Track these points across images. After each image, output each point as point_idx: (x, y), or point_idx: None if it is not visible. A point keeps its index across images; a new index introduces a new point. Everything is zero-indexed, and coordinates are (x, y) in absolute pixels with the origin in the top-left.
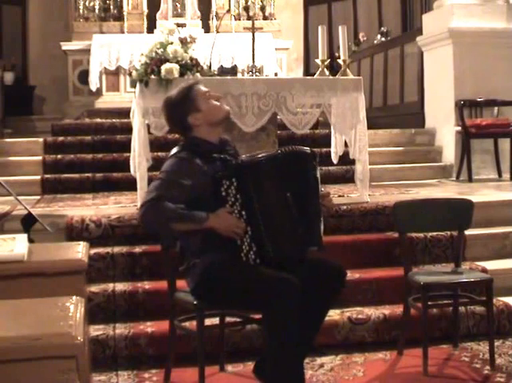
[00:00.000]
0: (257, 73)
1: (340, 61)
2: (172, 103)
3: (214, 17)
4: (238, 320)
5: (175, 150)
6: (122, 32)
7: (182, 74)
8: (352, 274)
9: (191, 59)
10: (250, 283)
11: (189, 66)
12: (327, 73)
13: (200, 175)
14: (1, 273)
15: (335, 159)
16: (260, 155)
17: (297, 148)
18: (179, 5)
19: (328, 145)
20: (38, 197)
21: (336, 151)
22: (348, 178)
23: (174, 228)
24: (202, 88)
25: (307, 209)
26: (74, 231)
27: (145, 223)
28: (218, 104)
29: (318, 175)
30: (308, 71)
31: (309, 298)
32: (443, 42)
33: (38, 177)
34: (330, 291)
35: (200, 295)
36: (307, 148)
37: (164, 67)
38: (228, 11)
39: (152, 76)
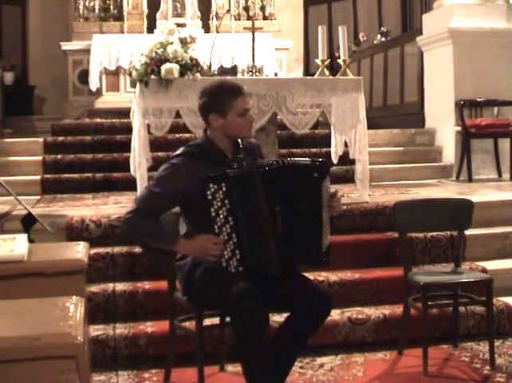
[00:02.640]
0: (257, 73)
1: (340, 61)
2: (209, 90)
3: (214, 17)
4: None
5: (176, 152)
6: (122, 32)
7: (182, 74)
8: (352, 274)
9: (191, 59)
10: (218, 291)
11: (189, 66)
12: (327, 73)
13: (194, 179)
14: (1, 273)
15: (335, 159)
16: (256, 165)
17: (297, 162)
18: (179, 5)
19: (328, 145)
20: (38, 197)
21: (336, 151)
22: (348, 178)
23: (148, 244)
24: (246, 102)
25: (300, 225)
26: (74, 231)
27: (125, 234)
28: (245, 124)
29: (324, 188)
30: (308, 71)
31: (290, 324)
32: (443, 42)
33: (38, 177)
34: (313, 322)
35: (189, 295)
36: (309, 161)
37: (164, 67)
38: (228, 11)
39: (152, 76)
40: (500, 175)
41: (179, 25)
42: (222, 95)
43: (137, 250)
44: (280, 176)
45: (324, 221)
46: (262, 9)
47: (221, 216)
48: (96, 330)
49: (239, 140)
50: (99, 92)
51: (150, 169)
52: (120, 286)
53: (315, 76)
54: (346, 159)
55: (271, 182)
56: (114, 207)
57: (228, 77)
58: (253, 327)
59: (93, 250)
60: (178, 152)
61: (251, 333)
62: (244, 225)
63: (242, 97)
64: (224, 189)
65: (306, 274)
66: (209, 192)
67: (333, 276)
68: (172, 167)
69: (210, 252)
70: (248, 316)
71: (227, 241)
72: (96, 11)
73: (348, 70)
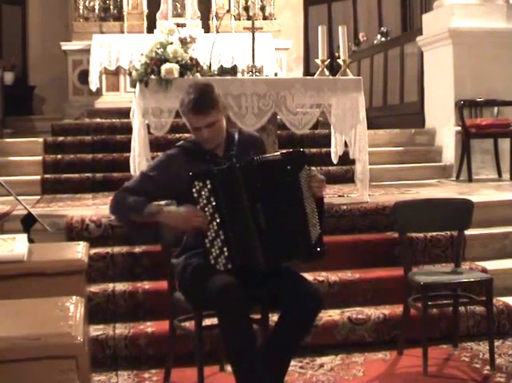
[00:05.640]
0: (257, 73)
1: (340, 61)
2: (182, 96)
3: (214, 17)
4: None
5: (175, 145)
6: (122, 32)
7: (182, 74)
8: (352, 274)
9: (191, 59)
10: (203, 288)
11: (189, 66)
12: (327, 73)
13: (184, 174)
14: (1, 273)
15: (335, 159)
16: (238, 161)
17: (269, 157)
18: (179, 5)
19: (328, 145)
20: (38, 197)
21: (336, 151)
22: (348, 178)
23: (133, 219)
24: (196, 121)
25: (283, 220)
26: (74, 231)
27: (110, 212)
28: (200, 139)
29: (302, 179)
30: (308, 71)
31: (282, 322)
32: (443, 42)
33: (38, 177)
34: (304, 319)
35: (183, 295)
36: (279, 155)
37: (164, 67)
38: (228, 11)
39: (152, 77)
40: (500, 175)
41: (179, 25)
42: (180, 107)
43: (137, 250)
44: (257, 173)
45: (308, 212)
46: (262, 9)
47: (207, 213)
48: (96, 330)
49: (235, 135)
50: (99, 92)
51: None
52: (120, 286)
53: (315, 76)
54: (346, 159)
55: (250, 178)
56: None
57: (228, 77)
58: (237, 323)
59: (93, 250)
60: (177, 144)
61: (235, 329)
62: (229, 222)
63: (193, 116)
64: (209, 186)
65: (306, 273)
66: (194, 189)
67: (333, 276)
68: (166, 157)
69: (193, 223)
70: (230, 311)
71: (215, 238)
72: (96, 11)
73: (348, 70)
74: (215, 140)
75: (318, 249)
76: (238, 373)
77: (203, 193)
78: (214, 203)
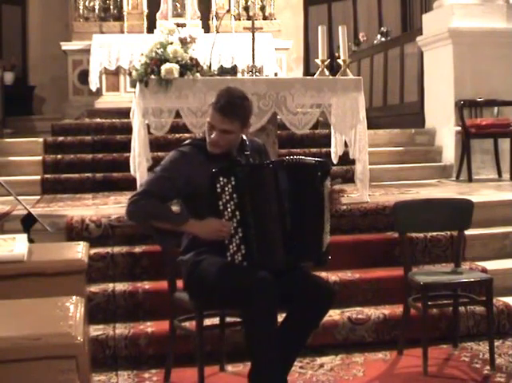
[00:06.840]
0: (257, 73)
1: (340, 61)
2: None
3: (214, 17)
4: (238, 320)
5: (185, 142)
6: (122, 32)
7: (182, 74)
8: (352, 274)
9: (191, 59)
10: (228, 283)
11: (189, 66)
12: (327, 73)
13: (200, 170)
14: (1, 273)
15: (335, 159)
16: (265, 161)
17: (302, 160)
18: (179, 5)
19: (328, 145)
20: (38, 197)
21: (336, 151)
22: (348, 178)
23: (155, 226)
24: (213, 118)
25: (306, 223)
26: (74, 231)
27: (129, 217)
28: (208, 139)
29: (326, 187)
30: (308, 71)
31: (293, 315)
32: (443, 42)
33: (38, 177)
34: (316, 311)
35: (191, 293)
36: (313, 160)
37: (164, 67)
38: (228, 11)
39: (152, 77)
40: (500, 175)
41: (179, 25)
42: (214, 100)
43: (137, 250)
44: (288, 173)
45: (325, 219)
46: (262, 9)
47: (228, 210)
48: (96, 330)
49: (245, 138)
50: (99, 92)
51: (150, 169)
52: (120, 286)
53: (315, 76)
54: (346, 159)
55: (280, 178)
56: (114, 207)
57: (228, 77)
58: (270, 316)
59: (93, 250)
60: (186, 141)
61: (268, 321)
62: (252, 220)
63: (216, 113)
64: (233, 183)
65: None
66: (218, 185)
67: (333, 276)
68: (180, 154)
69: (220, 233)
70: (266, 303)
71: (233, 235)
72: (96, 11)
73: (348, 70)
74: (218, 148)
75: (325, 258)
76: (262, 365)
77: (227, 189)
78: (236, 201)
